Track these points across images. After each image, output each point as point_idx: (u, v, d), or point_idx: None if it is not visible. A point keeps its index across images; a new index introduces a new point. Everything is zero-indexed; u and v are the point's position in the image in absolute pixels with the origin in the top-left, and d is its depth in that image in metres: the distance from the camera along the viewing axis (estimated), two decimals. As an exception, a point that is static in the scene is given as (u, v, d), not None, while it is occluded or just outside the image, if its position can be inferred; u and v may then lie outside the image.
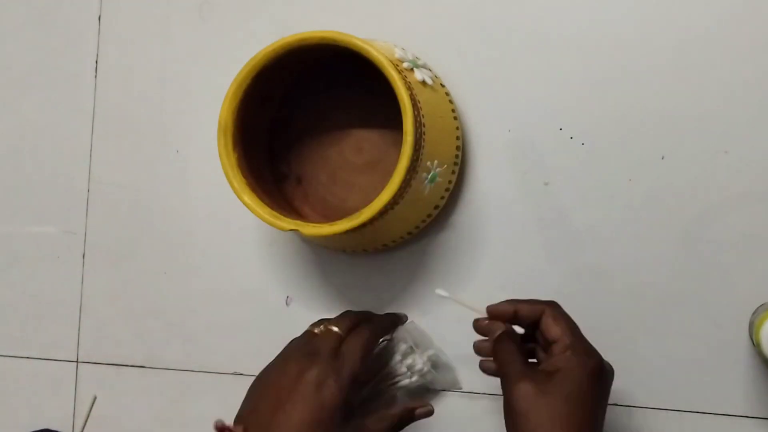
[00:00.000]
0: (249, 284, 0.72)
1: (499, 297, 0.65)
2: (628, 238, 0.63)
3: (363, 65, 0.57)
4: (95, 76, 0.77)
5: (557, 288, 0.64)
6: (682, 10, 0.62)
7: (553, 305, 0.56)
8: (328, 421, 0.53)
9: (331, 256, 0.70)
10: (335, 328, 0.58)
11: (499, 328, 0.55)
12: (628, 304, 0.63)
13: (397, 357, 0.65)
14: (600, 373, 0.52)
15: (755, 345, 0.56)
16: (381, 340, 0.64)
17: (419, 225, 0.65)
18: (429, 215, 0.64)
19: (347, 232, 0.57)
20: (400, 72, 0.56)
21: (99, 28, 0.77)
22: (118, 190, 0.76)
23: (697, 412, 0.62)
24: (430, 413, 0.60)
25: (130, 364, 0.75)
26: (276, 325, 0.71)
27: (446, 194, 0.64)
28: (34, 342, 0.78)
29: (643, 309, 0.62)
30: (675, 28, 0.63)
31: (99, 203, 0.76)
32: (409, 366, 0.65)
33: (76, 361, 0.76)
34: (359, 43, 0.56)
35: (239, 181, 0.59)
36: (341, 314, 0.61)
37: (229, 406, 0.71)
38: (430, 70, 0.64)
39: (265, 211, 0.59)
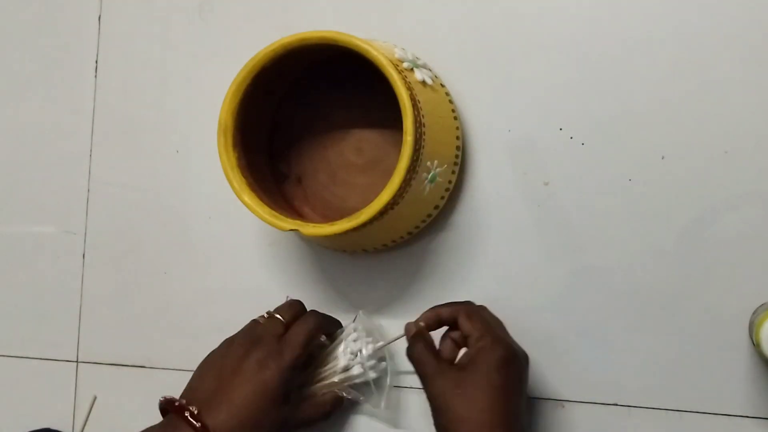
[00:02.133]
0: (249, 284, 0.72)
1: (497, 296, 0.65)
2: (628, 238, 0.63)
3: (363, 65, 0.57)
4: (95, 76, 0.77)
5: (557, 288, 0.64)
6: (682, 10, 0.62)
7: (467, 305, 0.60)
8: (267, 401, 0.57)
9: (331, 256, 0.70)
10: (279, 317, 0.61)
11: (411, 329, 0.59)
12: (628, 304, 0.63)
13: (343, 345, 0.65)
14: (510, 359, 0.55)
15: (755, 345, 0.56)
16: (324, 339, 0.65)
17: (419, 225, 0.65)
18: (429, 215, 0.64)
19: (347, 232, 0.57)
20: (400, 72, 0.56)
21: (99, 28, 0.77)
22: (118, 190, 0.76)
23: (697, 412, 0.62)
24: (357, 398, 0.64)
25: (130, 364, 0.75)
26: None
27: (446, 194, 0.64)
28: (34, 342, 0.78)
29: (643, 309, 0.62)
30: (675, 28, 0.63)
31: (99, 203, 0.76)
32: (353, 352, 0.64)
33: (76, 361, 0.76)
34: (359, 43, 0.56)
35: (239, 181, 0.59)
36: (285, 303, 0.64)
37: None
38: (430, 70, 0.64)
39: (265, 211, 0.59)
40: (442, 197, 0.64)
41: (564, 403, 0.64)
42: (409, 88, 0.56)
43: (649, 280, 0.62)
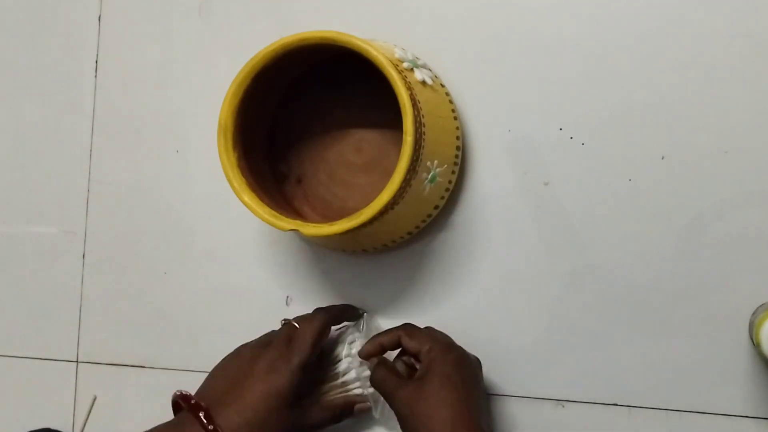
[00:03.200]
0: (249, 284, 0.72)
1: (497, 296, 0.65)
2: (628, 238, 0.63)
3: (363, 65, 0.57)
4: (95, 76, 0.77)
5: (557, 288, 0.64)
6: (682, 11, 0.62)
7: (405, 327, 0.62)
8: (277, 404, 0.58)
9: (331, 256, 0.70)
10: (291, 321, 0.63)
11: (372, 363, 0.62)
12: (627, 304, 0.63)
13: (343, 345, 0.65)
14: (462, 361, 0.59)
15: (755, 345, 0.56)
16: (336, 328, 0.66)
17: (419, 225, 0.65)
18: (429, 215, 0.64)
19: (347, 232, 0.57)
20: (400, 72, 0.56)
21: (99, 29, 0.77)
22: (118, 190, 0.76)
23: (697, 412, 0.62)
24: (368, 409, 0.64)
25: (130, 364, 0.75)
26: (276, 325, 0.71)
27: (446, 194, 0.64)
28: (34, 342, 0.78)
29: (643, 309, 0.62)
30: (675, 28, 0.63)
31: (99, 203, 0.76)
32: (352, 354, 0.65)
33: (76, 361, 0.76)
34: (359, 42, 0.56)
35: (239, 181, 0.59)
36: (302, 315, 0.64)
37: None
38: (430, 70, 0.64)
39: (265, 211, 0.59)
40: (442, 197, 0.64)
41: (564, 403, 0.64)
42: (409, 88, 0.56)
43: (649, 280, 0.62)
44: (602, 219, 0.64)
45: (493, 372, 0.66)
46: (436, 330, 0.62)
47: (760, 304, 0.60)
